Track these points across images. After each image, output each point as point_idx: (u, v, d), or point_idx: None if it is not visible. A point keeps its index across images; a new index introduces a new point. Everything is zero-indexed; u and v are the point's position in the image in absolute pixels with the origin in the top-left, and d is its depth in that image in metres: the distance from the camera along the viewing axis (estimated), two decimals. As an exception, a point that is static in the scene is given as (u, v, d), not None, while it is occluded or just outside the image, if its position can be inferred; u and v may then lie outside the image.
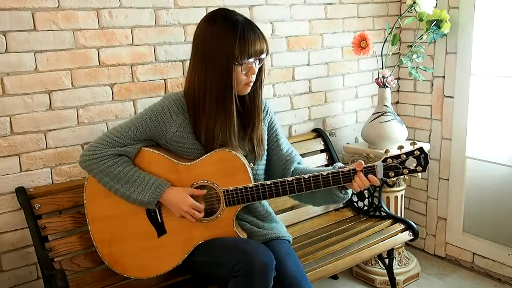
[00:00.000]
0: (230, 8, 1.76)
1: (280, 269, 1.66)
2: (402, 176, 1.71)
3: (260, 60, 1.71)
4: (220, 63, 1.64)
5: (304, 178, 1.70)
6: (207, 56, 1.67)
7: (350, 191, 1.80)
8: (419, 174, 1.71)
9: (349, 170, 1.69)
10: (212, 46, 1.65)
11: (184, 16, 2.23)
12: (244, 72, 1.68)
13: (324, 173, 1.70)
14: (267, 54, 1.72)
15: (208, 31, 1.67)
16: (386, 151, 1.72)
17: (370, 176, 1.69)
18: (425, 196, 3.07)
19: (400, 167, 1.69)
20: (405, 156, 1.68)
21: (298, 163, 1.92)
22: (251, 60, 1.66)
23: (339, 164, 1.81)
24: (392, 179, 1.71)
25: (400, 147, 1.71)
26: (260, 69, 1.74)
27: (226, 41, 1.62)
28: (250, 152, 1.79)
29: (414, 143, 1.71)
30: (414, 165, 1.69)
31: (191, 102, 1.73)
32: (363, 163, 1.71)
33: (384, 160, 1.69)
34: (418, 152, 1.68)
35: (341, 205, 2.64)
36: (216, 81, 1.66)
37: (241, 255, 1.59)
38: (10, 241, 1.96)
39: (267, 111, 1.89)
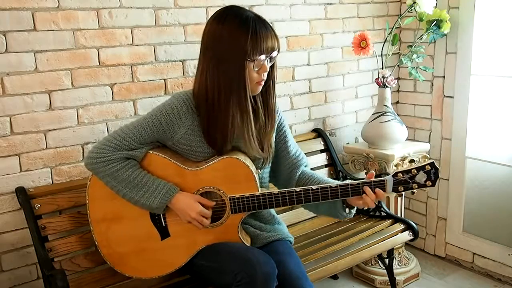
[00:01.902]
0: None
1: (281, 270, 1.65)
2: (411, 190, 1.69)
3: (272, 58, 1.67)
4: (233, 59, 1.61)
5: (312, 189, 1.67)
6: (219, 54, 1.63)
7: (354, 211, 1.78)
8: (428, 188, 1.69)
9: (358, 183, 1.66)
10: (223, 43, 1.61)
11: (184, 16, 2.23)
12: (256, 70, 1.64)
13: (333, 185, 1.67)
14: (278, 52, 1.68)
15: (219, 29, 1.63)
16: (397, 165, 1.71)
17: (377, 190, 1.66)
18: (425, 196, 3.07)
19: (410, 181, 1.66)
20: (415, 171, 1.65)
21: (305, 166, 1.90)
22: (263, 57, 1.63)
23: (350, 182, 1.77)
24: (400, 192, 1.70)
25: (411, 161, 1.69)
26: (272, 68, 1.71)
27: (238, 37, 1.59)
28: (258, 157, 1.76)
29: (426, 157, 1.69)
30: (424, 180, 1.66)
31: (203, 103, 1.69)
32: (374, 173, 1.69)
33: (394, 175, 1.66)
34: (429, 167, 1.65)
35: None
36: (230, 78, 1.62)
37: (243, 264, 1.58)
38: (10, 241, 1.96)
39: (277, 112, 1.85)
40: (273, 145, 1.82)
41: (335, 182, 1.70)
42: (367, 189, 1.65)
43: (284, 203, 1.70)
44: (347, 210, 1.75)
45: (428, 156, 1.69)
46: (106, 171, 1.69)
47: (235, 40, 1.60)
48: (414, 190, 1.69)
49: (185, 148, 1.73)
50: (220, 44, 1.63)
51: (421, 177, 1.66)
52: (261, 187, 1.77)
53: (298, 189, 1.69)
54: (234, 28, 1.60)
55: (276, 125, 1.85)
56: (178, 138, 1.72)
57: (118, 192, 1.70)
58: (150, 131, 1.69)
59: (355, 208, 1.78)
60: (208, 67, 1.66)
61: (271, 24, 1.68)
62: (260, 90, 1.71)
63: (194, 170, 1.72)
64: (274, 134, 1.85)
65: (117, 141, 1.69)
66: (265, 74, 1.67)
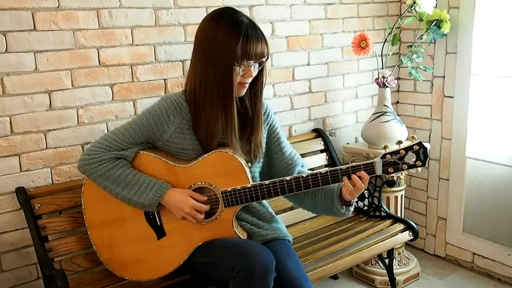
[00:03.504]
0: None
1: (280, 269, 1.66)
2: (401, 172, 1.69)
3: (260, 64, 1.70)
4: (222, 61, 1.63)
5: (302, 177, 1.69)
6: (210, 54, 1.66)
7: (351, 208, 1.78)
8: (419, 168, 1.69)
9: (347, 168, 1.68)
10: (215, 43, 1.64)
11: (184, 16, 2.23)
12: (241, 74, 1.67)
13: (323, 171, 1.69)
14: (267, 59, 1.71)
15: (213, 29, 1.66)
16: (385, 147, 1.71)
17: (360, 173, 1.66)
18: (425, 196, 3.07)
19: (399, 162, 1.67)
20: (404, 152, 1.66)
21: (302, 167, 1.91)
22: (251, 62, 1.65)
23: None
24: (391, 175, 1.70)
25: (399, 142, 1.69)
26: (261, 73, 1.74)
27: (229, 40, 1.62)
28: (247, 154, 1.78)
29: (413, 137, 1.69)
30: (414, 160, 1.66)
31: (192, 100, 1.72)
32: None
33: (383, 157, 1.68)
34: (417, 147, 1.66)
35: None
36: (217, 79, 1.65)
37: (240, 256, 1.58)
38: (10, 241, 1.96)
39: (268, 114, 1.87)
40: (263, 145, 1.83)
41: (325, 169, 1.71)
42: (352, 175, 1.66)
43: (276, 193, 1.71)
44: (344, 207, 1.76)
45: (416, 137, 1.68)
46: (98, 171, 1.70)
47: (227, 43, 1.62)
48: (405, 171, 1.69)
49: (175, 147, 1.75)
50: (212, 44, 1.65)
51: (410, 158, 1.67)
52: None
53: (288, 178, 1.70)
54: (227, 31, 1.63)
55: (268, 126, 1.87)
56: (167, 137, 1.73)
57: (111, 192, 1.72)
58: (140, 131, 1.72)
59: (353, 205, 1.78)
60: (198, 64, 1.69)
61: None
62: (243, 93, 1.73)
63: (185, 167, 1.73)
64: (265, 135, 1.86)
65: (107, 142, 1.72)
66: (250, 79, 1.70)
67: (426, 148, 1.66)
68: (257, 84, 1.75)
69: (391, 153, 1.67)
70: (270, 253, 1.63)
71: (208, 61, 1.66)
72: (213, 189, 1.73)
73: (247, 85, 1.72)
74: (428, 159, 1.68)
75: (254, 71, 1.69)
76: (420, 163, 1.67)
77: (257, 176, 1.86)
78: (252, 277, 1.54)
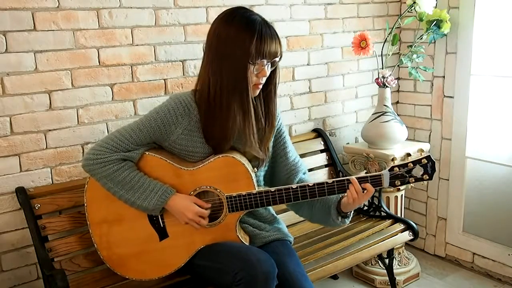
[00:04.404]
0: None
1: (281, 270, 1.66)
2: (408, 184, 1.69)
3: (273, 63, 1.68)
4: (236, 60, 1.62)
5: (308, 185, 1.68)
6: (223, 53, 1.63)
7: (347, 220, 1.78)
8: (425, 182, 1.69)
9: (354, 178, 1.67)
10: (229, 42, 1.62)
11: (184, 16, 2.23)
12: (255, 73, 1.65)
13: (329, 181, 1.68)
14: (280, 59, 1.69)
15: (226, 28, 1.64)
16: (393, 159, 1.70)
17: (365, 185, 1.66)
18: (425, 196, 3.07)
19: (407, 175, 1.66)
20: (412, 165, 1.66)
21: (304, 174, 1.90)
22: (265, 61, 1.64)
23: None
24: (398, 187, 1.69)
25: (407, 155, 1.69)
26: (274, 73, 1.72)
27: (243, 39, 1.60)
28: (254, 158, 1.77)
29: (421, 150, 1.69)
30: (421, 173, 1.66)
31: (204, 100, 1.70)
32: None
33: (391, 169, 1.67)
34: (426, 161, 1.66)
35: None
36: (233, 78, 1.63)
37: (243, 263, 1.58)
38: (10, 241, 1.95)
39: (277, 117, 1.85)
40: (270, 148, 1.83)
41: (331, 179, 1.70)
42: (355, 182, 1.65)
43: (281, 200, 1.70)
44: (340, 218, 1.76)
45: (424, 150, 1.68)
46: (103, 172, 1.69)
47: (241, 41, 1.60)
48: (411, 184, 1.68)
49: (181, 149, 1.74)
50: (225, 44, 1.63)
51: (417, 171, 1.67)
52: None
53: (294, 186, 1.70)
54: (241, 29, 1.61)
55: (275, 130, 1.85)
56: (174, 139, 1.72)
57: (115, 193, 1.71)
58: (147, 132, 1.70)
59: (350, 217, 1.78)
60: (211, 65, 1.67)
61: (271, 24, 1.68)
62: (257, 93, 1.71)
63: (190, 169, 1.72)
64: (273, 138, 1.85)
65: (114, 142, 1.70)
66: (264, 79, 1.68)
67: (434, 162, 1.67)
68: (270, 85, 1.74)
69: (399, 166, 1.67)
70: (273, 261, 1.62)
71: (222, 60, 1.64)
72: (218, 194, 1.72)
73: (261, 86, 1.70)
74: (435, 173, 1.68)
75: (268, 70, 1.67)
76: (427, 177, 1.67)
77: (261, 180, 1.86)
78: (254, 285, 1.54)
